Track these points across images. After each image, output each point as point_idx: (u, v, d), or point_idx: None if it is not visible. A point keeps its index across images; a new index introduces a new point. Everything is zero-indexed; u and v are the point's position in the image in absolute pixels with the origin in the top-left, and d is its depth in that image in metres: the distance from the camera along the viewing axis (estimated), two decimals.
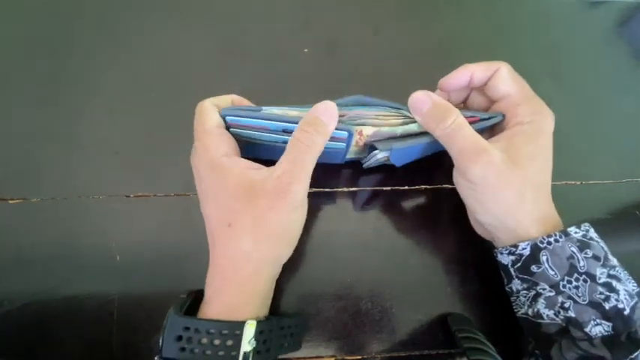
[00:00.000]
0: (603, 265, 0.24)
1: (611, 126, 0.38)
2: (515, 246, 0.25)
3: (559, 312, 0.24)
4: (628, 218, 0.34)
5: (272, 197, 0.23)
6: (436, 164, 0.33)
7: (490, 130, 0.29)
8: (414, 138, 0.27)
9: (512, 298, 0.27)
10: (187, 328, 0.21)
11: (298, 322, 0.26)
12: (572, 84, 0.39)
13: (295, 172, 0.23)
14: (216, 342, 0.21)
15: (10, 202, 0.30)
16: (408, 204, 0.33)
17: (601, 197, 0.35)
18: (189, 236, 0.29)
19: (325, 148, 0.24)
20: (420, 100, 0.26)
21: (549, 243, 0.24)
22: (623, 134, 0.38)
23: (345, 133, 0.25)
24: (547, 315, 0.24)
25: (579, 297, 0.23)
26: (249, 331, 0.21)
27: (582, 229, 0.25)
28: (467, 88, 0.30)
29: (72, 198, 0.30)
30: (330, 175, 0.32)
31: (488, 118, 0.27)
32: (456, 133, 0.25)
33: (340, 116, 0.25)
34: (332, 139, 0.25)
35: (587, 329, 0.23)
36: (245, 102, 0.28)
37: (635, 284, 0.24)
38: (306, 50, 0.37)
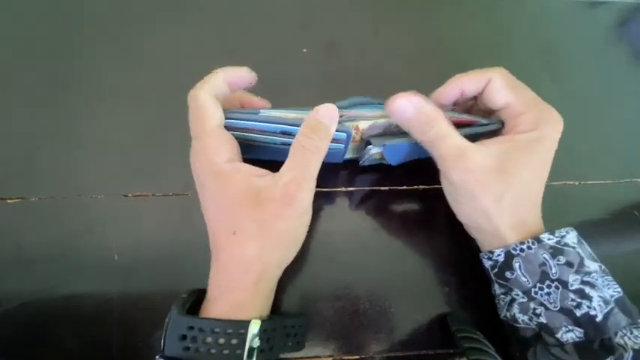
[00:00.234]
0: (577, 272, 0.23)
1: (610, 126, 0.38)
2: (492, 252, 0.26)
3: (532, 318, 0.24)
4: (627, 218, 0.34)
5: (279, 205, 0.22)
6: (434, 164, 0.33)
7: (490, 133, 0.28)
8: (407, 136, 0.27)
9: (495, 301, 0.27)
10: (191, 328, 0.21)
11: (301, 323, 0.26)
12: (572, 84, 0.39)
13: (301, 179, 0.23)
14: (221, 341, 0.21)
15: (9, 201, 0.30)
16: (407, 204, 0.33)
17: (600, 197, 0.35)
18: (188, 236, 0.29)
19: None
20: (400, 107, 0.25)
21: (522, 250, 0.24)
22: (622, 134, 0.38)
23: (344, 134, 0.25)
24: (522, 320, 0.25)
25: (550, 303, 0.23)
26: (254, 329, 0.21)
27: (557, 235, 0.24)
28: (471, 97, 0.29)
29: (71, 197, 0.30)
30: (329, 175, 0.32)
31: (487, 124, 0.27)
32: (439, 141, 0.25)
33: (339, 117, 0.25)
34: (332, 140, 0.25)
35: (558, 335, 0.23)
36: (242, 71, 0.25)
37: (617, 290, 0.23)
38: (305, 50, 0.37)
